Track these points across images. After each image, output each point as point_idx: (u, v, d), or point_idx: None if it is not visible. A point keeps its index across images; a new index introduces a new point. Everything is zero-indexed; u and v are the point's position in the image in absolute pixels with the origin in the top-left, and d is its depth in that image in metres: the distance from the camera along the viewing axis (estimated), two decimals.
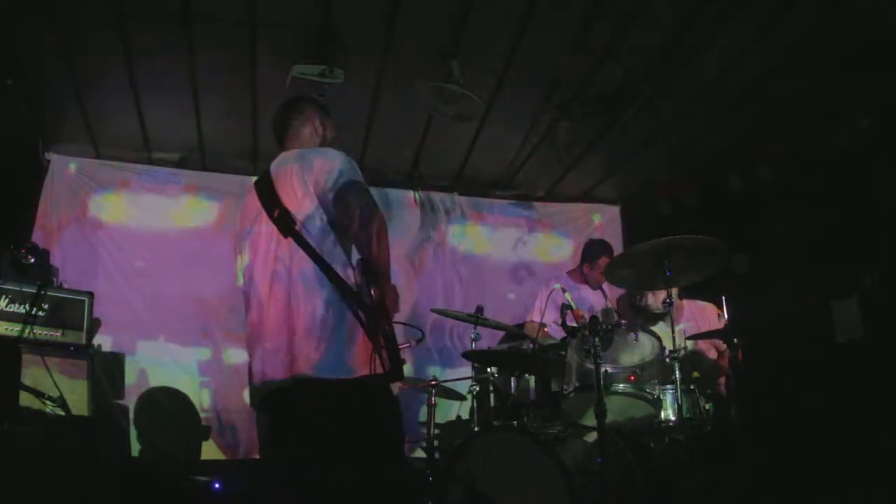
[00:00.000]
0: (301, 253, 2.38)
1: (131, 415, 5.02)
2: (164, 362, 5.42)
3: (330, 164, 2.46)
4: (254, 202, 2.59)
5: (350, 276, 2.39)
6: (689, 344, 4.19)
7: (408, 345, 2.43)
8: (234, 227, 2.75)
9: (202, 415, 5.35)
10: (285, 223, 2.42)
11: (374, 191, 6.98)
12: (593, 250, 4.95)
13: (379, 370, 2.27)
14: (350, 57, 4.25)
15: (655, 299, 4.59)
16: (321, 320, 2.31)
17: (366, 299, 2.31)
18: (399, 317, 2.45)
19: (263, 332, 2.43)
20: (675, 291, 4.58)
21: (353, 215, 2.36)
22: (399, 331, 2.42)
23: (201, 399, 5.40)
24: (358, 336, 2.32)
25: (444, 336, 5.96)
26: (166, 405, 5.28)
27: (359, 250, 2.40)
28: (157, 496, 3.98)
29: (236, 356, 5.54)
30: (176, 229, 5.75)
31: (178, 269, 5.64)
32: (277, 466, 2.47)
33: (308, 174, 2.46)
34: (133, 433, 5.00)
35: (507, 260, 6.43)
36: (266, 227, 2.48)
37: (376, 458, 2.29)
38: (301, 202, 2.43)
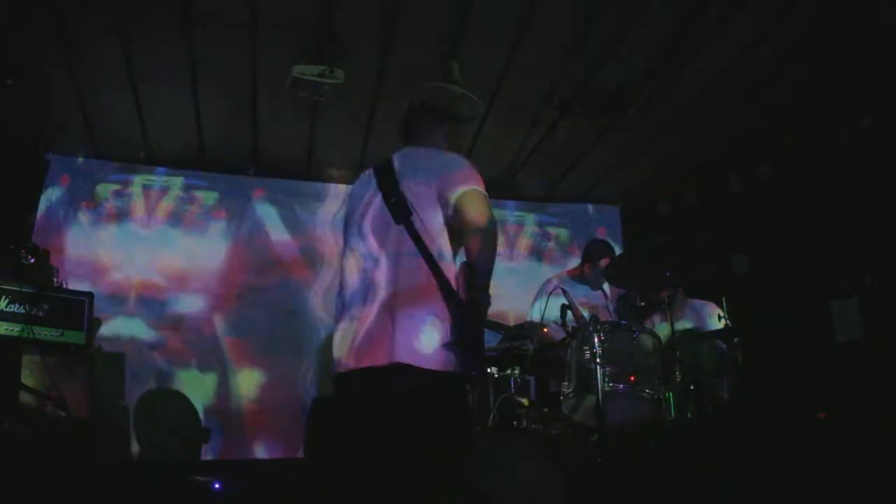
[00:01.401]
0: (409, 242, 2.42)
1: (131, 415, 5.02)
2: (164, 362, 5.42)
3: (457, 170, 2.54)
4: (368, 186, 2.64)
5: (451, 276, 2.42)
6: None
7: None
8: (342, 209, 2.83)
9: (202, 416, 5.35)
10: (400, 210, 2.47)
11: None
12: (595, 251, 4.95)
13: (460, 368, 2.32)
14: (350, 57, 4.25)
15: (655, 299, 4.59)
16: (417, 310, 2.35)
17: (459, 300, 2.36)
18: None
19: (356, 313, 2.45)
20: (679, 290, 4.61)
21: (467, 222, 2.41)
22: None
23: (202, 399, 5.40)
24: (447, 332, 2.34)
25: None
26: (166, 406, 5.28)
27: (466, 255, 2.44)
28: (156, 496, 3.98)
29: (238, 356, 5.55)
30: (176, 229, 5.75)
31: (178, 268, 5.64)
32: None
33: (433, 172, 2.52)
34: (133, 434, 5.01)
35: (508, 260, 6.42)
36: (379, 212, 2.53)
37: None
38: (421, 196, 2.49)
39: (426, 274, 2.38)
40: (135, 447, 4.99)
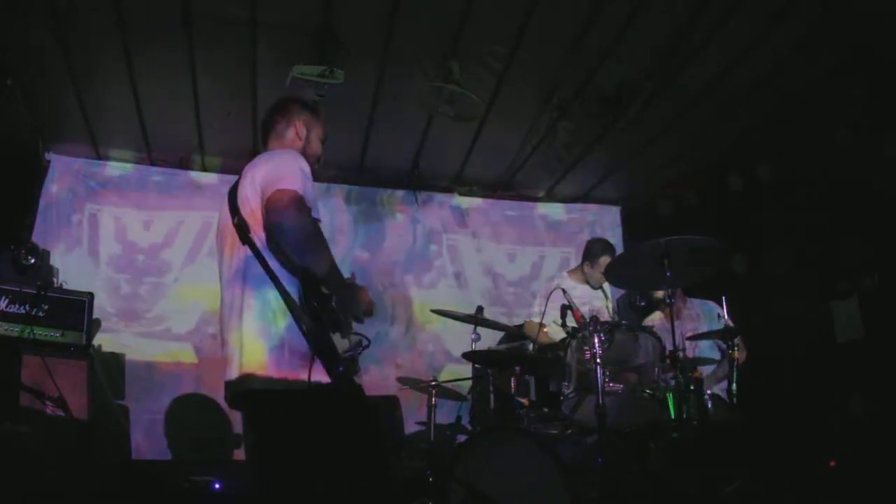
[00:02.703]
0: (255, 260, 2.37)
1: (131, 415, 5.02)
2: (165, 362, 5.42)
3: (273, 168, 2.43)
4: (225, 207, 2.57)
5: (296, 286, 2.34)
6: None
7: (350, 354, 2.40)
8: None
9: (203, 416, 5.34)
10: (242, 230, 2.41)
11: (374, 190, 7.03)
12: (595, 249, 4.95)
13: (318, 380, 2.26)
14: (350, 57, 4.25)
15: (658, 296, 4.60)
16: (266, 328, 2.32)
17: (309, 311, 2.29)
18: (400, 317, 2.47)
19: (224, 336, 2.44)
20: (679, 290, 4.61)
21: (276, 223, 2.31)
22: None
23: (202, 399, 5.40)
24: (297, 346, 2.30)
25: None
26: (167, 405, 5.28)
27: (293, 260, 2.35)
28: (156, 496, 3.97)
29: None
30: (176, 229, 5.75)
31: (178, 268, 5.64)
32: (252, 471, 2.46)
33: (258, 179, 2.43)
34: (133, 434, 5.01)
35: (508, 260, 6.43)
36: (232, 233, 2.47)
37: (321, 467, 2.24)
38: (254, 209, 2.41)
39: (271, 291, 2.39)
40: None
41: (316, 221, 2.41)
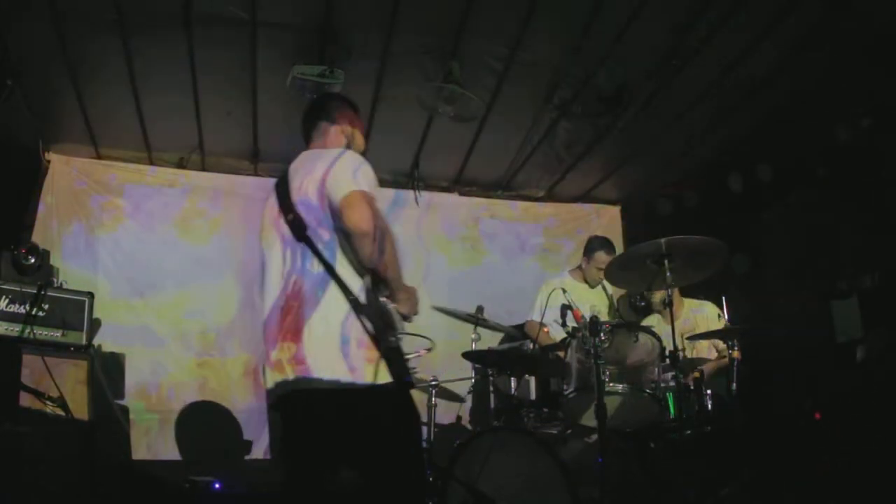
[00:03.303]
0: (313, 259, 2.37)
1: (131, 415, 5.02)
2: (164, 362, 5.41)
3: (340, 169, 2.41)
4: (273, 204, 2.56)
5: (359, 285, 2.37)
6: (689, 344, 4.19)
7: (417, 354, 2.43)
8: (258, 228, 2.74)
9: (203, 416, 5.35)
10: (297, 228, 2.41)
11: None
12: (591, 245, 4.97)
13: (384, 379, 2.28)
14: (350, 57, 4.25)
15: (655, 299, 4.60)
16: (326, 326, 2.31)
17: (372, 309, 2.32)
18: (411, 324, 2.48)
19: (272, 334, 2.42)
20: (675, 291, 4.60)
21: (355, 224, 2.30)
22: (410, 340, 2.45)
23: (205, 404, 5.40)
24: (363, 344, 2.30)
25: None
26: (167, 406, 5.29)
27: (363, 260, 2.36)
28: (156, 496, 3.97)
29: (238, 354, 5.54)
30: (175, 229, 5.74)
31: (178, 268, 5.63)
32: (287, 470, 2.46)
33: (319, 177, 2.42)
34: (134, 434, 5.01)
35: (508, 259, 6.42)
36: (284, 230, 2.46)
37: (383, 464, 2.29)
38: (312, 206, 2.41)
39: (331, 289, 2.39)
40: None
41: (386, 222, 2.42)
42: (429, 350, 2.77)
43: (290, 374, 2.33)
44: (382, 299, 2.39)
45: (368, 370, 2.27)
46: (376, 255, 2.33)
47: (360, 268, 2.38)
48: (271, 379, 2.39)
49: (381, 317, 2.34)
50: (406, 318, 2.49)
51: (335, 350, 2.28)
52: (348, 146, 2.68)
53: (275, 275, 2.46)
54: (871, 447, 4.01)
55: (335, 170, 2.42)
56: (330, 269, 2.35)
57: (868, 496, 3.71)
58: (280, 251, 2.46)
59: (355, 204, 2.31)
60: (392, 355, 2.31)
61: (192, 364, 5.47)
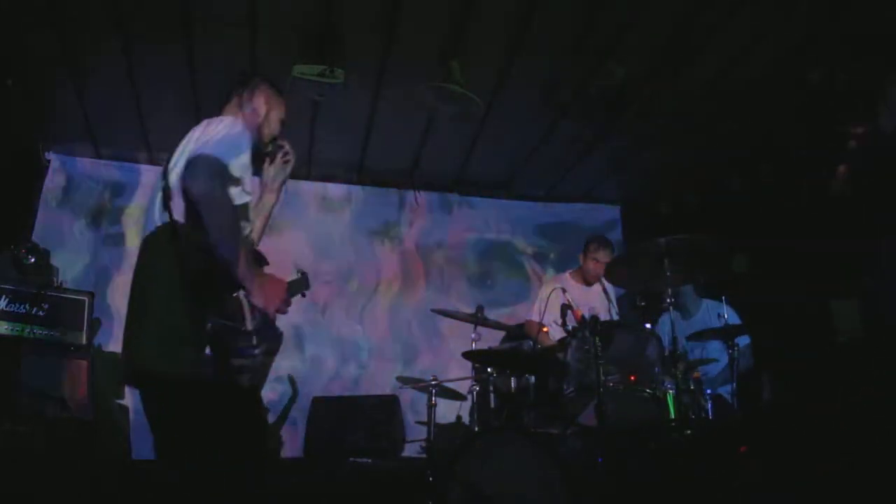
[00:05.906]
0: (168, 233, 2.21)
1: (131, 415, 5.01)
2: None
3: (204, 134, 2.25)
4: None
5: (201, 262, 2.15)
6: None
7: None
8: None
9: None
10: (165, 196, 2.25)
11: (374, 190, 6.99)
12: (590, 244, 4.97)
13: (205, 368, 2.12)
14: (350, 57, 4.25)
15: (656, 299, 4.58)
16: (158, 310, 2.14)
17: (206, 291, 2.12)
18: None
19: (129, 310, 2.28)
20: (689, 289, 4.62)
21: (189, 190, 2.13)
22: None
23: None
24: (190, 332, 2.10)
25: None
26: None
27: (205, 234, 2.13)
28: (157, 496, 3.97)
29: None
30: None
31: None
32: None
33: (192, 143, 2.27)
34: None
35: (508, 259, 6.42)
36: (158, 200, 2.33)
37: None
38: (179, 173, 2.23)
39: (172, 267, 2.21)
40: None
41: (227, 193, 2.19)
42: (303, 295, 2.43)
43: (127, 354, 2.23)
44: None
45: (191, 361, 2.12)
46: (207, 223, 2.12)
47: (204, 242, 2.16)
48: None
49: (210, 303, 2.13)
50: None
51: (154, 336, 2.14)
52: (260, 126, 2.59)
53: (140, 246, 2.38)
54: (870, 447, 4.01)
55: (200, 134, 2.27)
56: (176, 243, 2.20)
57: (868, 496, 3.71)
58: (147, 221, 2.37)
59: (191, 165, 2.15)
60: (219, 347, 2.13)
61: None
